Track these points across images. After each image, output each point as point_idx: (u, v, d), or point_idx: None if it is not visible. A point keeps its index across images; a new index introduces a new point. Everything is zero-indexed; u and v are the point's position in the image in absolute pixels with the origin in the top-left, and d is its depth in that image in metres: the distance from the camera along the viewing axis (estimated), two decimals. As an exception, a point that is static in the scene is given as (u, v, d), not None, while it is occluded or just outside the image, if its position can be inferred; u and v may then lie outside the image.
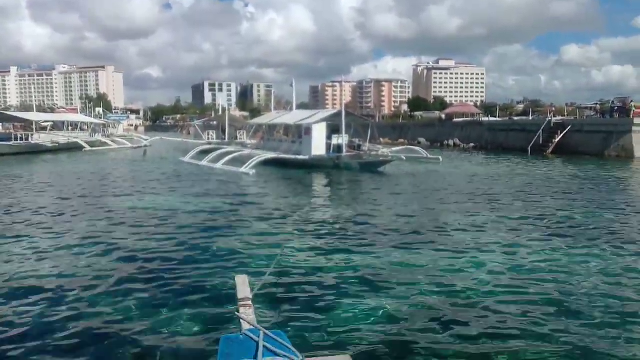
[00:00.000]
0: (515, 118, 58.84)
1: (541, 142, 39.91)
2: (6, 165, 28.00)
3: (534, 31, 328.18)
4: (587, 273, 7.96)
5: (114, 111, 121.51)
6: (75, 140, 42.30)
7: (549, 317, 6.12)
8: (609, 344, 5.46)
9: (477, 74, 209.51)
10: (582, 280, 7.60)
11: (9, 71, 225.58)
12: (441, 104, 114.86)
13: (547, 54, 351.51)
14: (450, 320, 6.03)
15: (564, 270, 8.04)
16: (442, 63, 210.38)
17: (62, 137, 42.32)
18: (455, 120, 62.07)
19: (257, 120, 41.79)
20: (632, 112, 38.70)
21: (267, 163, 26.50)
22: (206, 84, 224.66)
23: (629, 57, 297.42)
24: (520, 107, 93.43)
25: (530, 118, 53.36)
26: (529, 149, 39.74)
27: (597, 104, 58.63)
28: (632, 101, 44.76)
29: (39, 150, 37.09)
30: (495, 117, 64.75)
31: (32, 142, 37.52)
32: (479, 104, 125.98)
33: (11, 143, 35.31)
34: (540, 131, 40.36)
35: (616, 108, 43.75)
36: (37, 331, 5.69)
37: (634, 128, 34.39)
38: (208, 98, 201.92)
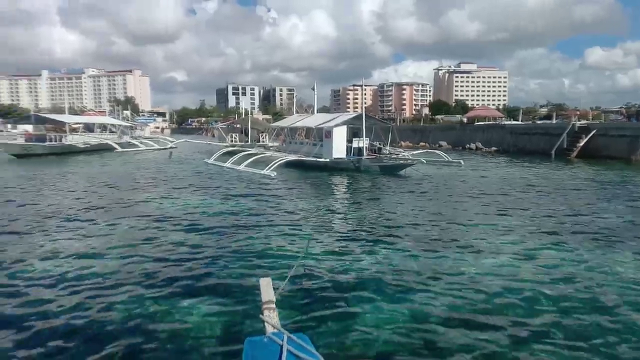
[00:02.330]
0: (538, 122, 58.14)
1: (565, 146, 39.55)
2: (42, 165, 29.30)
3: (557, 34, 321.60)
4: (611, 278, 8.06)
5: (141, 114, 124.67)
6: (105, 141, 43.77)
7: (572, 323, 6.27)
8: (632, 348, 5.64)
9: (500, 78, 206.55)
10: (604, 285, 7.73)
11: (40, 75, 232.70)
12: (463, 108, 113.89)
13: (570, 57, 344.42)
14: (472, 324, 6.12)
15: (586, 276, 8.16)
16: (464, 67, 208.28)
17: (93, 139, 43.83)
18: (477, 123, 61.64)
19: (279, 123, 42.45)
20: (659, 116, 38.26)
21: (288, 165, 27.11)
22: (230, 88, 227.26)
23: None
24: (544, 110, 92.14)
25: (554, 122, 52.69)
26: (553, 152, 39.40)
27: (622, 107, 57.72)
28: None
29: (71, 151, 38.55)
30: (518, 120, 63.98)
31: (66, 143, 38.96)
32: (501, 107, 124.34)
33: (46, 144, 36.79)
34: (564, 135, 39.98)
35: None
36: (70, 324, 6.13)
37: (660, 132, 33.92)
38: (232, 101, 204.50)
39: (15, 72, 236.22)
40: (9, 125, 53.26)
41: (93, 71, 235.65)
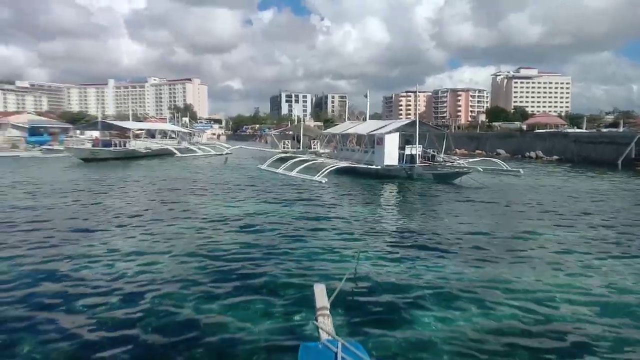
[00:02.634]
0: (604, 130, 55.02)
1: (633, 155, 37.20)
2: (107, 168, 31.04)
3: (624, 37, 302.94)
4: None
5: (198, 121, 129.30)
6: (166, 147, 45.73)
7: (630, 337, 6.06)
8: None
9: (562, 84, 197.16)
10: None
11: (107, 83, 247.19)
12: (522, 115, 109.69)
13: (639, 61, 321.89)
14: (529, 340, 5.96)
15: None
16: (523, 72, 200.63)
17: (154, 144, 45.93)
18: (537, 131, 59.19)
19: (331, 130, 42.67)
20: None
21: (339, 172, 27.17)
22: (283, 95, 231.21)
23: None
24: (610, 118, 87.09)
25: (621, 130, 49.72)
26: (619, 163, 37.16)
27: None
28: None
29: (134, 156, 40.60)
30: (582, 128, 60.81)
31: (129, 148, 41.07)
32: (563, 114, 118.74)
33: (111, 149, 38.98)
34: (633, 144, 37.62)
35: None
36: (128, 316, 6.44)
37: None
38: (284, 109, 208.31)
39: (85, 81, 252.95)
40: (78, 131, 56.79)
41: (155, 80, 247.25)
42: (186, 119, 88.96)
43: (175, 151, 44.31)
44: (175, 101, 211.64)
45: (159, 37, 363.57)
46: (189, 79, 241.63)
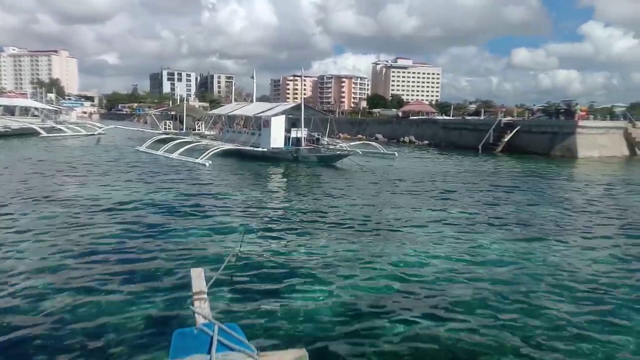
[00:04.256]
0: (468, 117, 60.94)
1: (491, 141, 41.67)
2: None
3: (487, 34, 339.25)
4: (529, 263, 8.76)
5: (67, 97, 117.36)
6: (29, 125, 40.94)
7: (486, 303, 6.79)
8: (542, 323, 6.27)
9: (433, 74, 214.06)
10: (527, 269, 8.43)
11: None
12: (398, 102, 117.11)
13: (499, 56, 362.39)
14: (403, 311, 6.38)
15: (506, 260, 8.83)
16: (400, 62, 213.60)
17: (14, 123, 40.87)
18: (411, 118, 63.67)
19: (216, 111, 41.60)
20: (576, 115, 41.33)
21: (225, 154, 26.73)
22: (165, 73, 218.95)
23: (574, 62, 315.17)
24: (473, 107, 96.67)
25: (482, 118, 55.60)
26: (480, 147, 41.43)
27: (534, 105, 62.88)
28: (577, 104, 47.64)
29: (-12, 135, 35.77)
30: (449, 116, 66.92)
31: (-19, 126, 36.09)
32: (434, 102, 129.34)
33: (-42, 127, 33.94)
34: (491, 130, 42.15)
35: (562, 110, 46.50)
36: None
37: (577, 130, 36.75)
38: (167, 87, 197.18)
39: None
40: None
41: (14, 50, 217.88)
42: (52, 95, 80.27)
43: (40, 130, 39.82)
44: (38, 75, 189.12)
45: (19, 1, 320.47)
46: (55, 51, 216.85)
